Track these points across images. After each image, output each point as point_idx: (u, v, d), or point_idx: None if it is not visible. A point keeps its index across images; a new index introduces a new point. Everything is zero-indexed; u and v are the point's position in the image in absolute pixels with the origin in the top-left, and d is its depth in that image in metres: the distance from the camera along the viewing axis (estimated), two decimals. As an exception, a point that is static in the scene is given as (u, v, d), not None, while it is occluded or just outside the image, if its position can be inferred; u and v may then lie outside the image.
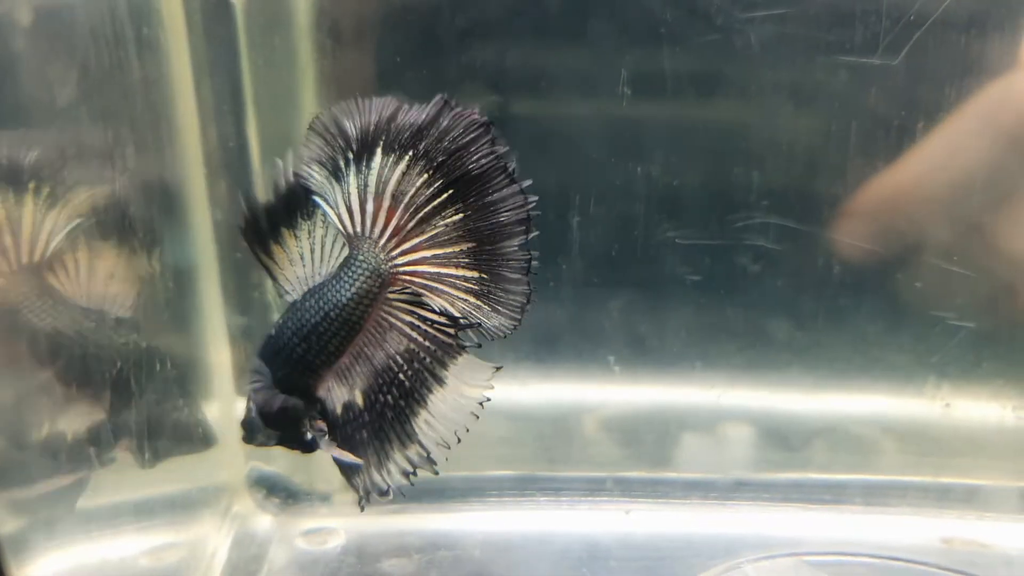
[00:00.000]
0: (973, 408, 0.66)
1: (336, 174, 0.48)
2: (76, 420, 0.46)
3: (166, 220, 0.56)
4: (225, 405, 0.65)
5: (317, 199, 0.47)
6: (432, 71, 0.61)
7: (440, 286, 0.48)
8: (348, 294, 0.47)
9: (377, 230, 0.48)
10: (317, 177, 0.48)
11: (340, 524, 0.67)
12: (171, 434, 0.55)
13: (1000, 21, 0.58)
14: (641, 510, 0.67)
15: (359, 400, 0.49)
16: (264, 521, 0.67)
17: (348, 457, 0.48)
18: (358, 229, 0.47)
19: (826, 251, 0.63)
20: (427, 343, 0.48)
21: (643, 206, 0.63)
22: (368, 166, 0.47)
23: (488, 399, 0.49)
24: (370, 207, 0.47)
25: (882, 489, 0.67)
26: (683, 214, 0.63)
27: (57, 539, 0.47)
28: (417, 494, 0.67)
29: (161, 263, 0.53)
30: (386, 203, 0.47)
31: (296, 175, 0.47)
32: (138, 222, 0.50)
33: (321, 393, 0.49)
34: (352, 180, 0.47)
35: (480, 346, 0.49)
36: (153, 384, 0.52)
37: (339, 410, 0.49)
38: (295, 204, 0.48)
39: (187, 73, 0.59)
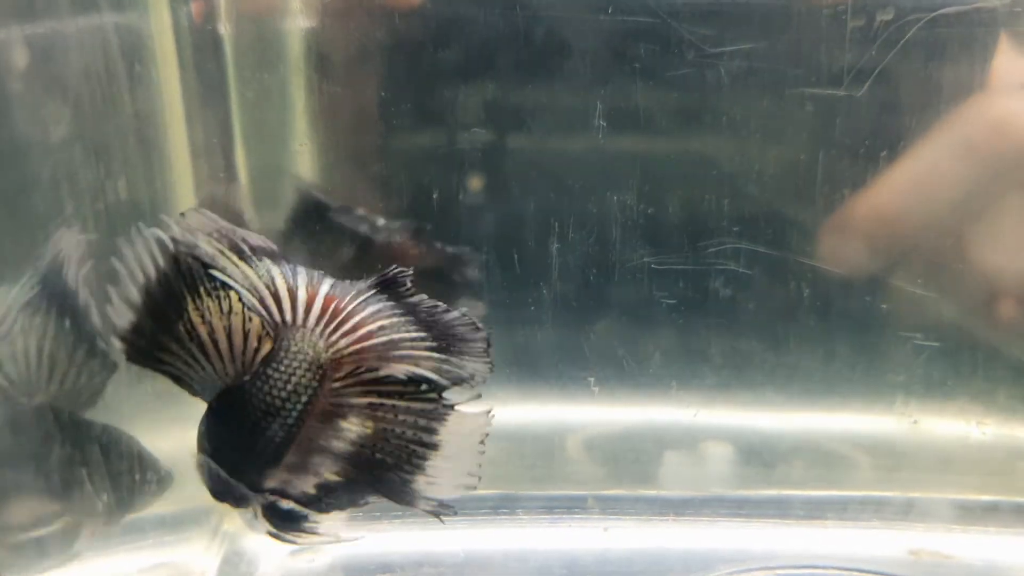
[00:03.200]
0: (939, 424, 0.68)
1: (242, 254, 0.41)
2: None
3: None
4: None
5: (224, 279, 0.40)
6: (417, 106, 0.63)
7: (398, 352, 0.42)
8: (280, 396, 0.40)
9: (312, 318, 0.41)
10: (210, 250, 0.41)
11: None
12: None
13: (959, 51, 0.60)
14: (619, 527, 0.68)
15: (332, 478, 0.43)
16: (253, 540, 0.69)
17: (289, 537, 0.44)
18: (286, 317, 0.41)
19: (796, 275, 0.65)
20: (400, 417, 0.42)
21: (619, 232, 0.65)
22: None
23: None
24: (302, 294, 0.41)
25: (853, 503, 0.69)
26: (658, 240, 0.65)
27: (48, 558, 0.48)
28: (402, 511, 0.70)
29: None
30: (324, 289, 0.42)
31: (181, 246, 0.40)
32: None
33: (274, 485, 0.43)
34: (270, 264, 0.41)
35: (480, 396, 0.44)
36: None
37: (311, 491, 0.43)
38: (182, 286, 0.40)
39: (178, 107, 0.60)
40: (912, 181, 0.62)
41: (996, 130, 0.61)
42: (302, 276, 0.43)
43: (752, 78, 0.61)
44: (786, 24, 0.60)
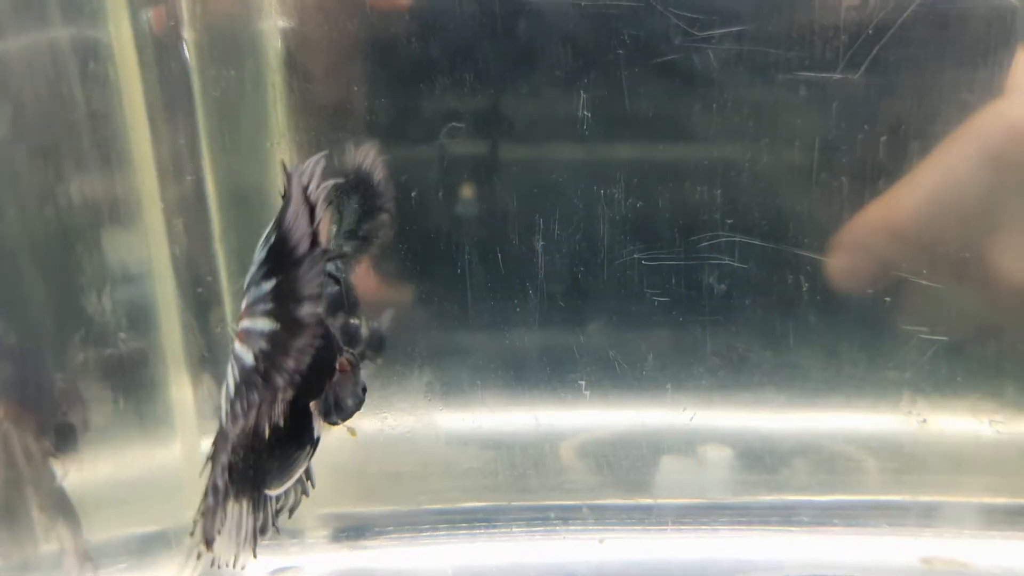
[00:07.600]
0: (950, 423, 0.65)
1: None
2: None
3: (118, 256, 0.55)
4: (188, 443, 0.63)
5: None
6: (394, 102, 0.61)
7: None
8: None
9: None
10: None
11: (308, 561, 0.66)
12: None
13: (961, 28, 0.58)
14: (616, 538, 0.65)
15: None
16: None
17: None
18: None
19: (794, 268, 0.62)
20: None
21: (607, 228, 0.62)
22: None
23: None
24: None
25: (861, 509, 0.66)
26: (648, 234, 0.62)
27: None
28: (387, 527, 0.67)
29: (112, 300, 0.52)
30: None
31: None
32: (85, 259, 0.49)
33: None
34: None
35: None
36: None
37: None
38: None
39: (140, 107, 0.58)
40: (930, 191, 0.59)
41: (1019, 136, 0.58)
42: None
43: (743, 63, 0.59)
44: (777, 4, 0.58)
